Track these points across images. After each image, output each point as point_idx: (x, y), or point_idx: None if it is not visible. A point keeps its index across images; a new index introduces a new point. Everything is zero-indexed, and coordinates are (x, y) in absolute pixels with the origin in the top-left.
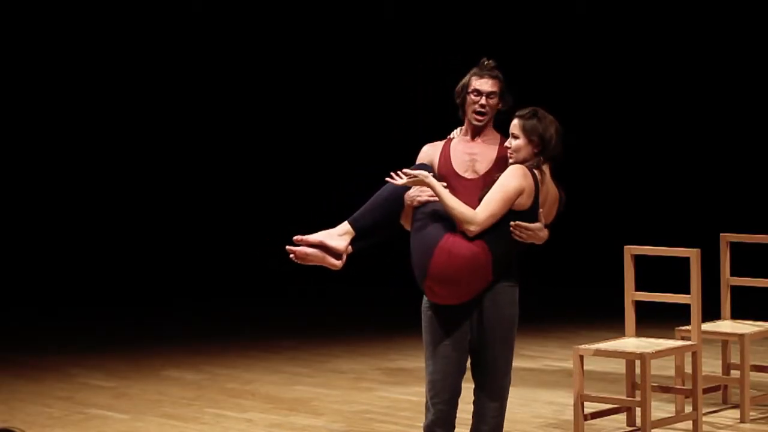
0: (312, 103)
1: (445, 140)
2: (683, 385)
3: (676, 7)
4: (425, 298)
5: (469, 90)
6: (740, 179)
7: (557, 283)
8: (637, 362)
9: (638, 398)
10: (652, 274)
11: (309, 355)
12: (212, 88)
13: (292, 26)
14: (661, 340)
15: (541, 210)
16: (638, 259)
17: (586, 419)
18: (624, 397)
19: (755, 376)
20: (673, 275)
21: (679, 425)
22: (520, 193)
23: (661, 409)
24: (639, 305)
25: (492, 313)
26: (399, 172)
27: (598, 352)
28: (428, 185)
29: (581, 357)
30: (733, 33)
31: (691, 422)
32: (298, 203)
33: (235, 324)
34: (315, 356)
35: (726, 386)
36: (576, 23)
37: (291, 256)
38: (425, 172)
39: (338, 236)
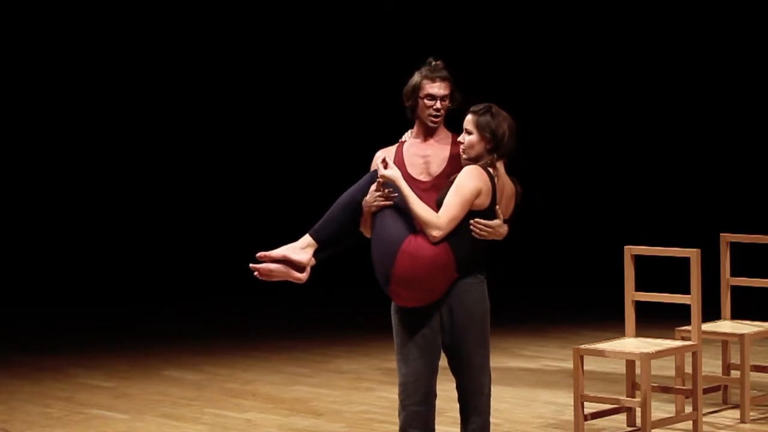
0: (311, 103)
1: (397, 144)
2: (683, 386)
3: (676, 7)
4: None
5: (422, 94)
6: (740, 179)
7: (557, 283)
8: (637, 362)
9: (638, 398)
10: (652, 274)
11: (309, 355)
12: (211, 88)
13: (291, 26)
14: (661, 341)
15: (498, 207)
16: (638, 259)
17: (586, 419)
18: (624, 398)
19: (755, 376)
20: (673, 275)
21: (679, 425)
22: (477, 194)
23: (661, 409)
24: (639, 305)
25: (462, 312)
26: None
27: (598, 352)
28: (399, 188)
29: (581, 357)
30: (734, 33)
31: (691, 422)
32: (298, 203)
33: (235, 324)
34: (315, 356)
35: (726, 386)
36: (575, 22)
37: (255, 273)
38: (397, 174)
39: (301, 249)
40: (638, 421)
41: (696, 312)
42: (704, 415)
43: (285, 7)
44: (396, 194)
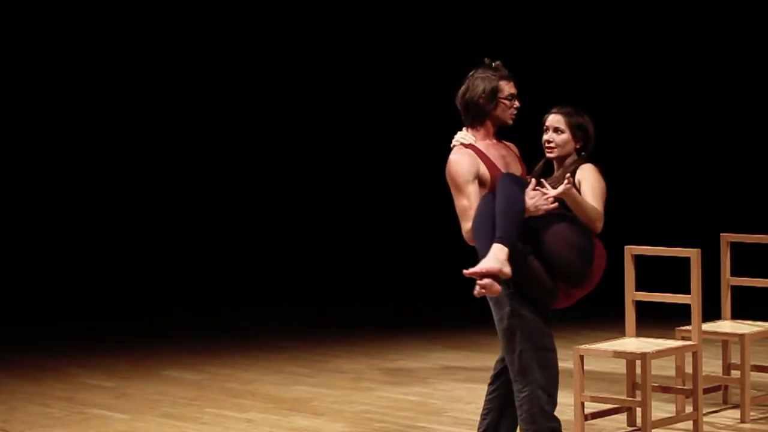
0: (311, 103)
1: (467, 147)
2: (684, 385)
3: (676, 6)
4: (513, 305)
5: (503, 96)
6: (740, 179)
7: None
8: (638, 362)
9: (639, 398)
10: (653, 274)
11: (309, 354)
12: (211, 88)
13: (291, 27)
14: (661, 340)
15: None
16: (638, 259)
17: (586, 419)
18: (624, 397)
19: (756, 376)
20: (673, 275)
21: (679, 425)
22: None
23: (661, 409)
24: (639, 305)
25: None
26: (545, 186)
27: (599, 352)
28: (572, 194)
29: (581, 357)
30: (733, 33)
31: (691, 422)
32: (296, 203)
33: (235, 324)
34: (315, 356)
35: (726, 386)
36: (574, 21)
37: (482, 291)
38: (570, 185)
39: (505, 261)
40: (638, 421)
41: (696, 312)
42: (704, 415)
43: (285, 9)
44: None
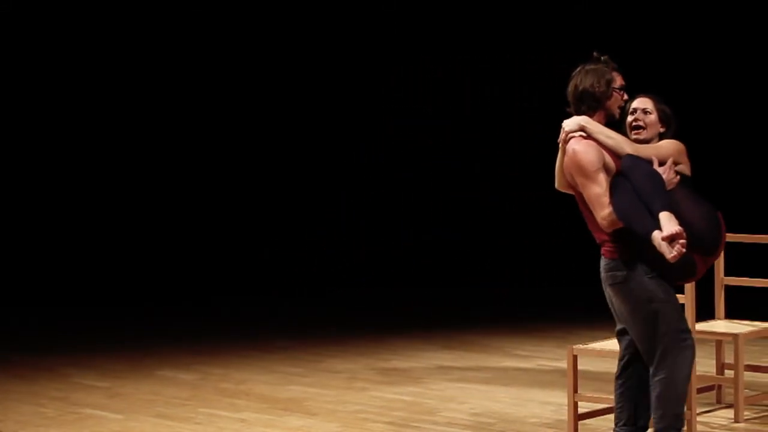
0: (311, 103)
1: (587, 140)
2: None
3: (676, 8)
4: (652, 290)
5: (618, 86)
6: (734, 179)
7: (551, 282)
8: None
9: None
10: None
11: (303, 354)
12: (212, 88)
13: (291, 27)
14: None
15: None
16: None
17: (580, 419)
18: None
19: (749, 376)
20: None
21: None
22: None
23: None
24: None
25: None
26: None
27: (593, 352)
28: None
29: (575, 356)
30: (733, 33)
31: (684, 422)
32: (296, 203)
33: (229, 324)
34: (309, 356)
35: (720, 386)
36: (574, 21)
37: (682, 250)
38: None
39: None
40: None
41: (690, 311)
42: (698, 414)
43: (285, 9)
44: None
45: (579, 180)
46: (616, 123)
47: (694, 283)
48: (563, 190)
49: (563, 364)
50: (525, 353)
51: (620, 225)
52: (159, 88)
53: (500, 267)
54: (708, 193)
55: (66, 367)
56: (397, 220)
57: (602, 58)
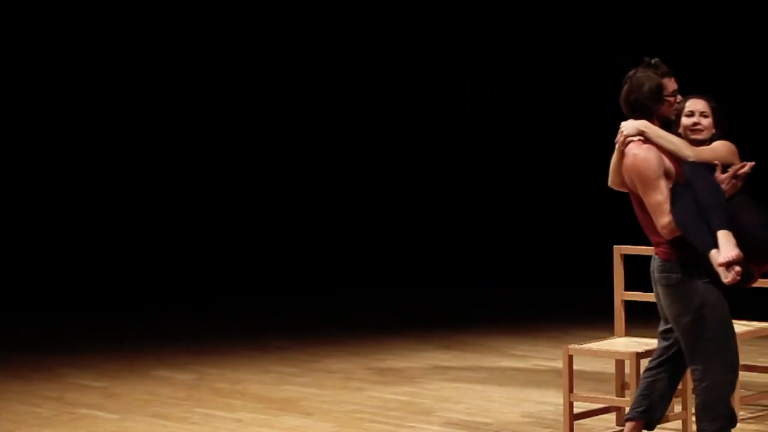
0: (311, 103)
1: (647, 145)
2: None
3: (675, 8)
4: (705, 295)
5: (669, 92)
6: None
7: (547, 283)
8: (627, 362)
9: (628, 398)
10: (642, 274)
11: (298, 354)
12: (212, 89)
13: (291, 27)
14: (650, 340)
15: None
16: (628, 259)
17: (575, 419)
18: (614, 397)
19: (744, 376)
20: None
21: (668, 425)
22: None
23: None
24: (628, 305)
25: None
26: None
27: (588, 352)
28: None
29: (571, 357)
30: (732, 33)
31: (680, 422)
32: (296, 203)
33: (225, 324)
34: (305, 356)
35: None
36: (574, 21)
37: (737, 276)
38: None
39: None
40: None
41: None
42: (693, 414)
43: (285, 10)
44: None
45: (640, 186)
46: (669, 125)
47: None
48: (615, 188)
49: (559, 364)
50: (521, 353)
51: (679, 233)
52: (160, 89)
53: (498, 267)
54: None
55: (62, 367)
56: (397, 220)
57: (653, 62)
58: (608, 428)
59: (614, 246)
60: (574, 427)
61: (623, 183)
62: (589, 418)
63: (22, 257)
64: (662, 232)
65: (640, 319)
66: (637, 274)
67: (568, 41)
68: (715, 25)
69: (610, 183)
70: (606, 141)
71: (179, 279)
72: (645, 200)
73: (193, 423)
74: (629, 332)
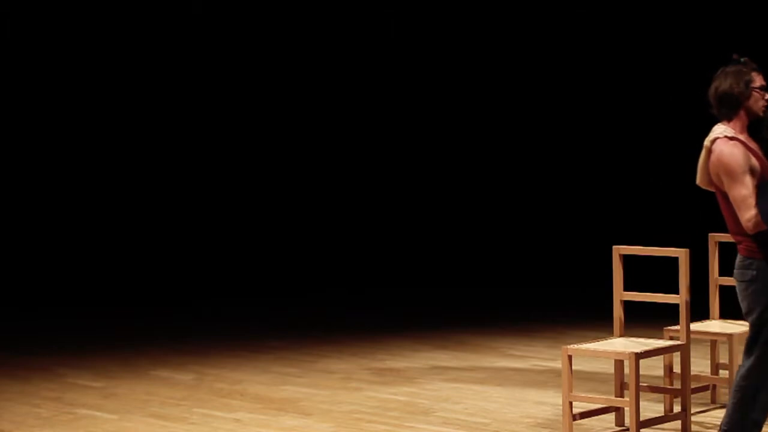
0: (311, 103)
1: (733, 141)
2: (672, 385)
3: (674, 8)
4: None
5: (757, 86)
6: None
7: (546, 283)
8: (626, 362)
9: (627, 398)
10: (641, 274)
11: (297, 355)
12: (212, 89)
13: (292, 28)
14: (649, 340)
15: None
16: (627, 259)
17: (574, 419)
18: (613, 397)
19: None
20: (661, 275)
21: (667, 425)
22: None
23: (649, 409)
24: (627, 305)
25: None
26: None
27: (587, 352)
28: None
29: (570, 357)
30: (731, 32)
31: (679, 422)
32: (296, 203)
33: (224, 324)
34: (303, 356)
35: (715, 386)
36: (574, 21)
37: None
38: None
39: None
40: (627, 420)
41: (684, 312)
42: (693, 414)
43: (285, 10)
44: None
45: (725, 181)
46: (758, 122)
47: (687, 283)
48: (704, 187)
49: (558, 365)
50: (519, 353)
51: (764, 227)
52: (159, 90)
53: (497, 267)
54: (696, 193)
55: (61, 367)
56: (397, 220)
57: (742, 59)
58: (607, 428)
59: (613, 246)
60: (573, 427)
61: (710, 182)
62: (588, 419)
63: (22, 257)
64: (746, 225)
65: (639, 319)
66: (637, 274)
67: (568, 41)
68: None
69: (698, 181)
70: (606, 141)
71: (179, 279)
72: (730, 194)
73: (192, 423)
74: (628, 332)
